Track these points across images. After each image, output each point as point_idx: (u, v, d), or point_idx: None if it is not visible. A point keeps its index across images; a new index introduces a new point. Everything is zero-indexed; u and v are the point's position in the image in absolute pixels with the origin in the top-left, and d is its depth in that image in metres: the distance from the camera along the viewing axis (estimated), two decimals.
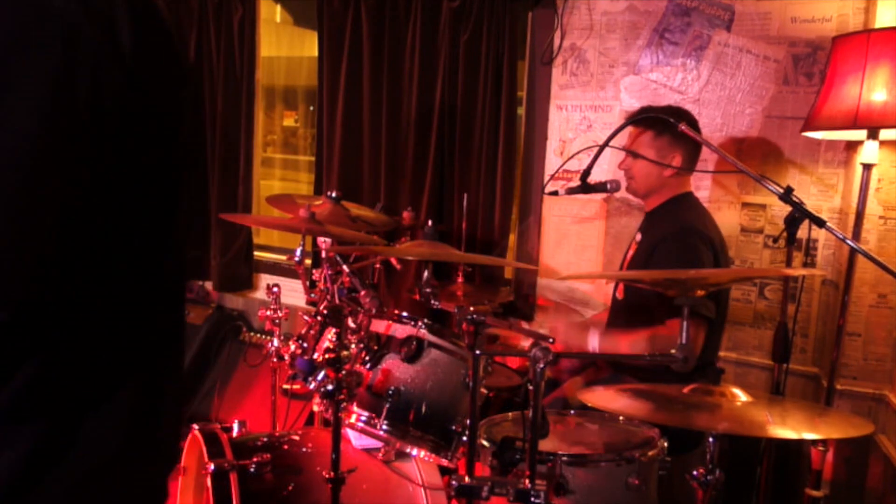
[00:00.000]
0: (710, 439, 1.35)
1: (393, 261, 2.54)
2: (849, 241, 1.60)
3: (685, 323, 1.24)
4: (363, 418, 1.66)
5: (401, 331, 1.68)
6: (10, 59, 0.58)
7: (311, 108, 4.21)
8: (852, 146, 2.28)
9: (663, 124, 2.02)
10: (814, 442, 2.01)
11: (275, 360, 2.23)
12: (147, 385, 0.79)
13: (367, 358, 1.69)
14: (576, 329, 2.16)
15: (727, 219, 2.49)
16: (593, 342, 2.03)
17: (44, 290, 0.65)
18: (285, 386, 2.38)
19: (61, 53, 0.60)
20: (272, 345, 2.22)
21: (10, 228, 0.59)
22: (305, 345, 1.85)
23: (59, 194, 0.62)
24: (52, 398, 0.69)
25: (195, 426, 1.82)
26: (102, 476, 0.74)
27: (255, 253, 3.62)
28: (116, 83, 0.65)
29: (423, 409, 1.65)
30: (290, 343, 1.90)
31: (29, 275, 0.62)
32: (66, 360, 0.70)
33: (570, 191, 2.07)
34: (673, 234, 2.03)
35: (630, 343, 2.00)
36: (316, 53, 3.21)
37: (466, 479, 1.25)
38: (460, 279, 2.59)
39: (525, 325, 2.90)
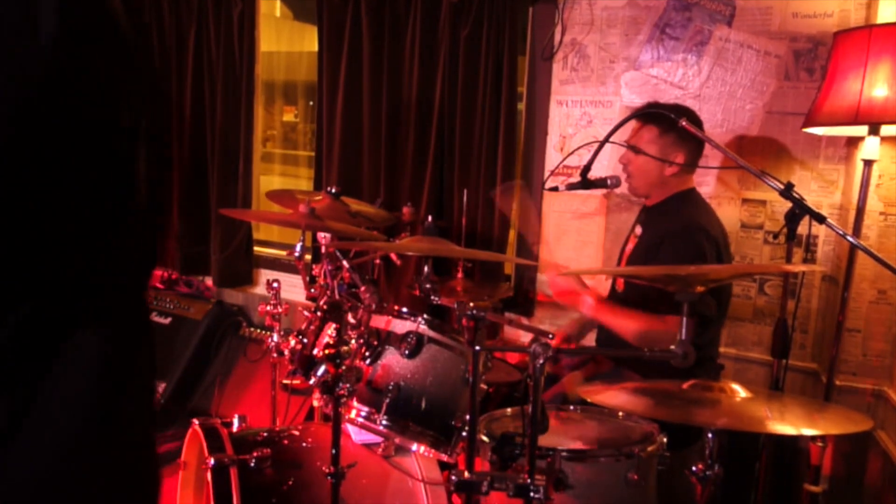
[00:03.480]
0: (710, 435, 1.35)
1: (393, 256, 2.53)
2: (849, 238, 1.60)
3: (685, 319, 1.24)
4: (363, 413, 1.66)
5: (401, 326, 1.68)
6: None
7: (311, 103, 4.20)
8: (853, 142, 2.28)
9: (669, 122, 2.01)
10: (813, 438, 2.01)
11: (275, 355, 2.23)
12: (113, 348, 0.75)
13: (366, 353, 1.69)
14: (575, 282, 2.15)
15: (727, 215, 2.49)
16: (586, 304, 2.05)
17: None
18: (285, 381, 2.38)
19: None
20: (272, 340, 2.22)
21: None
22: (305, 340, 1.85)
23: None
24: (23, 355, 0.67)
25: (195, 421, 1.82)
26: (77, 437, 0.70)
27: (255, 248, 3.62)
28: (32, 78, 0.61)
29: (423, 404, 1.66)
30: (290, 338, 1.90)
31: None
32: (33, 319, 0.67)
33: (571, 186, 2.06)
34: (678, 232, 2.03)
35: (627, 318, 2.01)
36: (316, 48, 3.20)
37: (466, 474, 1.25)
38: (460, 275, 2.59)
39: (525, 320, 2.90)
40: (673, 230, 2.04)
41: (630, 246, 2.25)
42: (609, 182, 2.07)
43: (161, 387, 3.31)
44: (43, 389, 0.69)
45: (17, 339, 0.67)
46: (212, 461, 1.65)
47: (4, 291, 0.67)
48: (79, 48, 0.67)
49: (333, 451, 1.58)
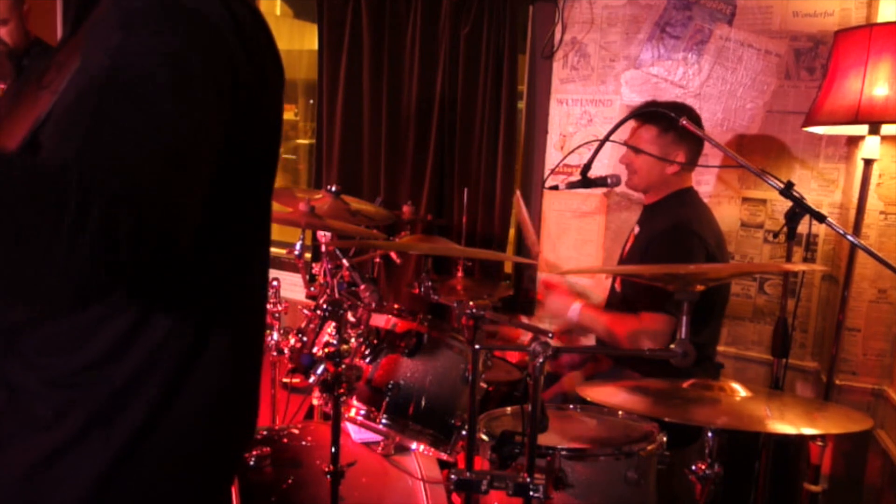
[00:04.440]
0: (709, 434, 1.35)
1: (393, 255, 2.53)
2: (849, 237, 1.60)
3: (685, 318, 1.24)
4: (363, 412, 1.66)
5: (400, 325, 1.68)
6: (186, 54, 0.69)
7: (311, 101, 4.20)
8: (853, 141, 2.28)
9: (668, 121, 2.01)
10: (812, 437, 2.01)
11: (274, 353, 2.23)
12: (239, 346, 0.86)
13: (366, 352, 1.69)
14: (562, 298, 2.16)
15: (727, 214, 2.49)
16: (574, 311, 2.07)
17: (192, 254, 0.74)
18: (285, 380, 2.38)
19: (211, 45, 0.72)
20: (272, 339, 2.21)
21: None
22: (305, 339, 1.85)
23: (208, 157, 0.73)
24: (177, 352, 0.79)
25: None
26: (208, 415, 0.83)
27: None
28: (245, 69, 0.76)
29: (423, 403, 1.66)
30: (290, 337, 1.90)
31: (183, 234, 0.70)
32: (189, 321, 0.79)
33: (571, 185, 2.06)
34: (665, 231, 2.03)
35: (606, 322, 2.03)
36: (316, 47, 3.20)
37: (466, 472, 1.25)
38: (460, 273, 2.59)
39: (525, 319, 2.90)
40: (662, 229, 2.04)
41: (629, 245, 2.25)
42: (609, 181, 2.06)
43: None
44: (191, 371, 0.80)
45: (169, 336, 0.77)
46: None
47: (158, 298, 0.77)
48: (260, 40, 0.81)
49: (333, 450, 1.58)
